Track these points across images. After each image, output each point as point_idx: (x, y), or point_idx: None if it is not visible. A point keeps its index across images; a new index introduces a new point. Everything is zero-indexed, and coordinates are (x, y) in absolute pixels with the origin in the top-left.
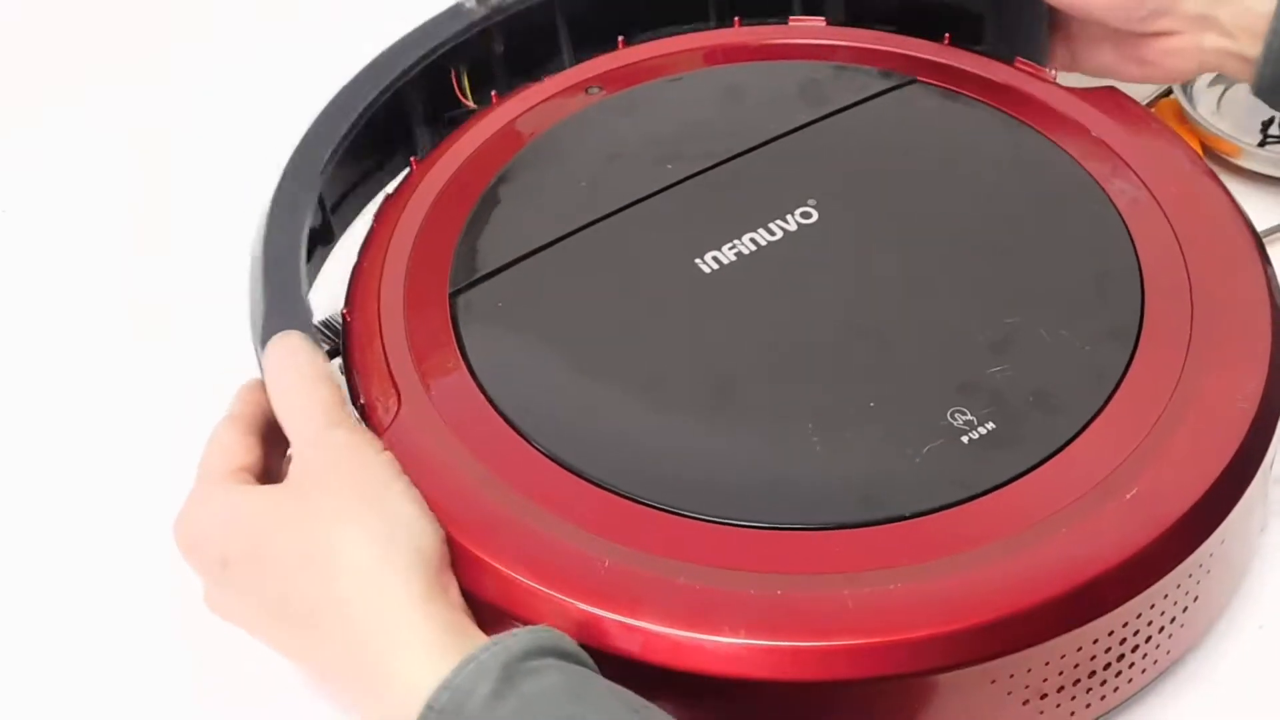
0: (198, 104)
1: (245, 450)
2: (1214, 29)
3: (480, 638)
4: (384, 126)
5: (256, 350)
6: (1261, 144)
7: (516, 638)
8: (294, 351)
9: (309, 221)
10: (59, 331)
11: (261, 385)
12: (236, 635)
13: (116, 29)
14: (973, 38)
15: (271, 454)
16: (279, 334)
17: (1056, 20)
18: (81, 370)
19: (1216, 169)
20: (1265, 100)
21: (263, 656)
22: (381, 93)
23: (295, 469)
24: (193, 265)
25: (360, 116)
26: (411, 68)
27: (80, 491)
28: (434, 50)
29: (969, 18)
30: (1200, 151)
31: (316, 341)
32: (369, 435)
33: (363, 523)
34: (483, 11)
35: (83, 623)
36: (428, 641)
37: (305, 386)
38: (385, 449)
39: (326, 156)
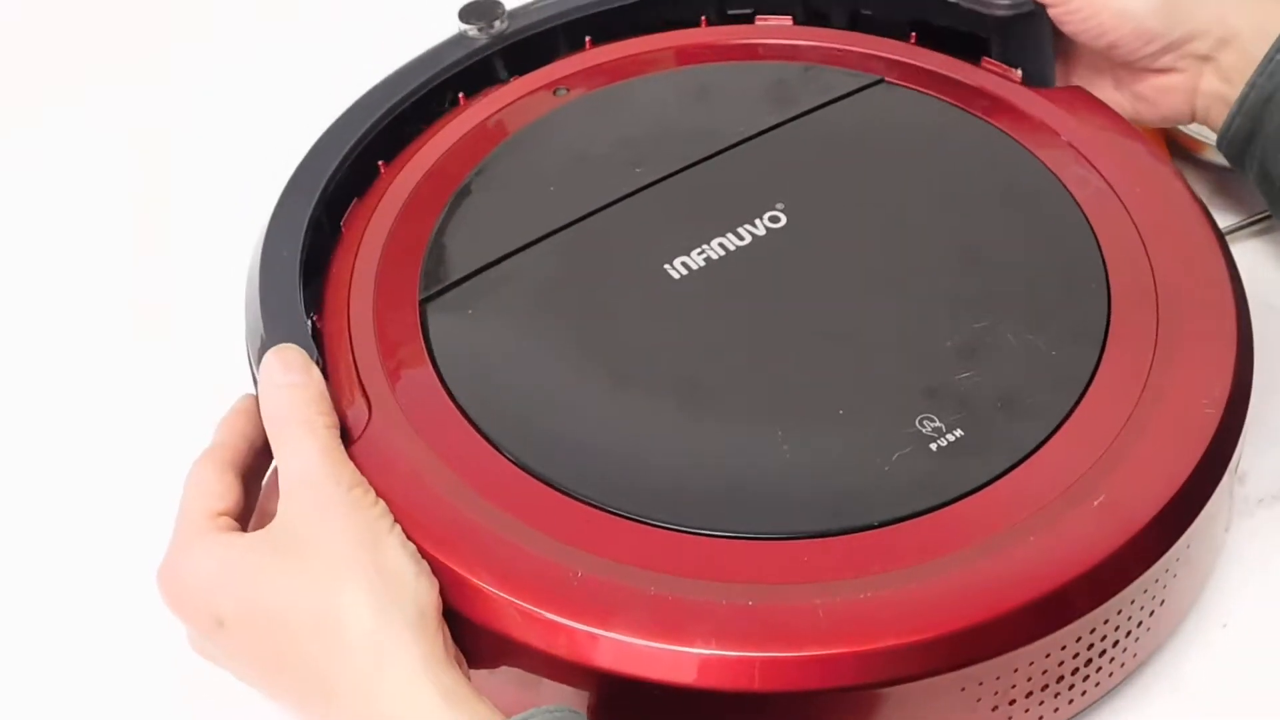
0: (198, 104)
1: (225, 490)
2: (1213, 71)
3: (483, 707)
4: (385, 149)
5: (252, 368)
6: None
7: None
8: (290, 368)
9: (308, 238)
10: (58, 331)
11: (244, 414)
12: None
13: (116, 29)
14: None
15: (253, 485)
16: (276, 347)
17: (1059, 48)
18: (81, 370)
19: (1182, 164)
20: (1225, 153)
21: None
22: (383, 115)
23: (286, 514)
24: (192, 265)
25: (362, 139)
26: (414, 93)
27: (78, 491)
28: (436, 76)
29: (976, 41)
30: (1166, 146)
31: (314, 358)
32: (363, 483)
33: (362, 583)
34: (484, 39)
35: (79, 623)
36: (434, 714)
37: (301, 415)
38: (377, 499)
39: (327, 177)
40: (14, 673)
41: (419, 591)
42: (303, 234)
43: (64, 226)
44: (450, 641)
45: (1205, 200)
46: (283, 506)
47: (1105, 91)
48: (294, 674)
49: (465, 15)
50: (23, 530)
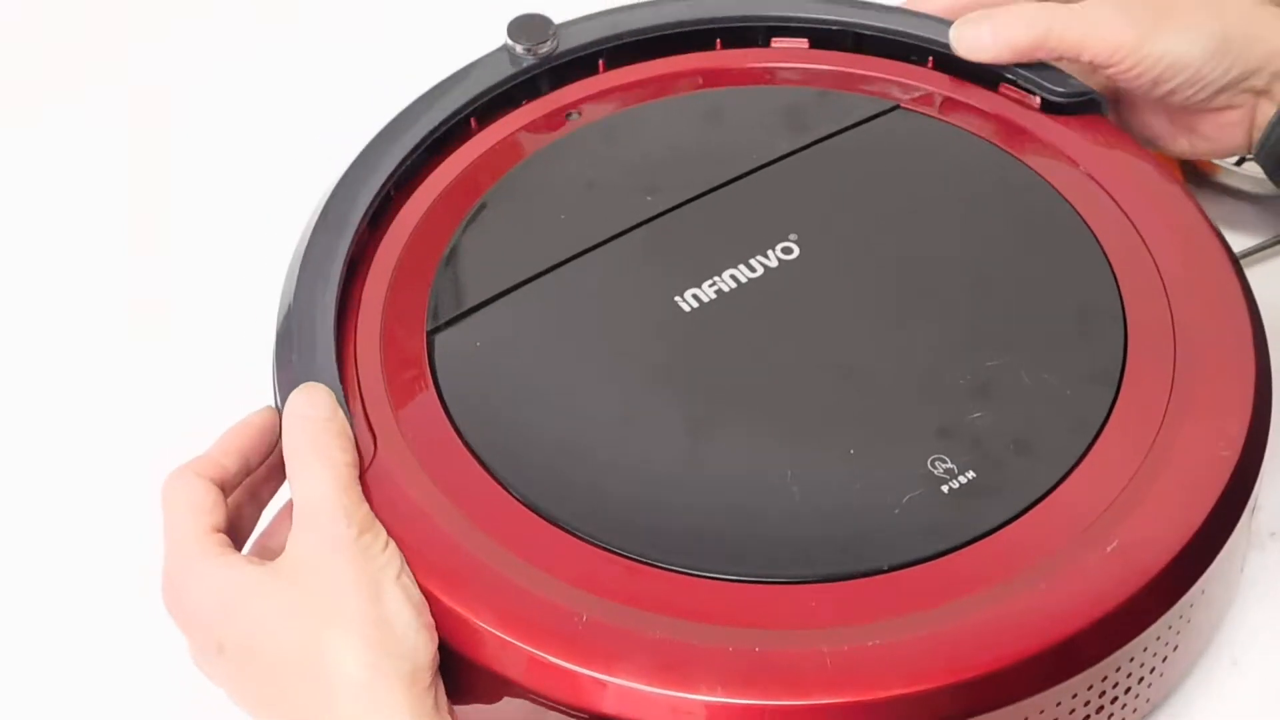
0: (197, 104)
1: (215, 504)
2: (1269, 101)
3: None
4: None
5: (275, 398)
6: (1240, 162)
7: None
8: (315, 404)
9: (342, 275)
10: (55, 331)
11: (251, 427)
12: None
13: (116, 28)
14: None
15: (245, 507)
16: (303, 385)
17: (1110, 91)
18: (76, 369)
19: (1196, 187)
20: (1262, 165)
21: None
22: (426, 137)
23: (295, 549)
24: (190, 265)
25: (402, 162)
26: (456, 114)
27: (75, 491)
28: (480, 96)
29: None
30: (1179, 167)
31: (341, 399)
32: (375, 526)
33: (358, 634)
34: (530, 60)
35: (77, 623)
36: None
37: (321, 446)
38: (388, 543)
39: (364, 206)
40: (13, 674)
41: (416, 647)
42: (339, 275)
43: (62, 226)
44: (443, 696)
45: (1219, 224)
46: (293, 540)
47: (1159, 128)
48: (284, 715)
49: (514, 32)
50: (16, 531)
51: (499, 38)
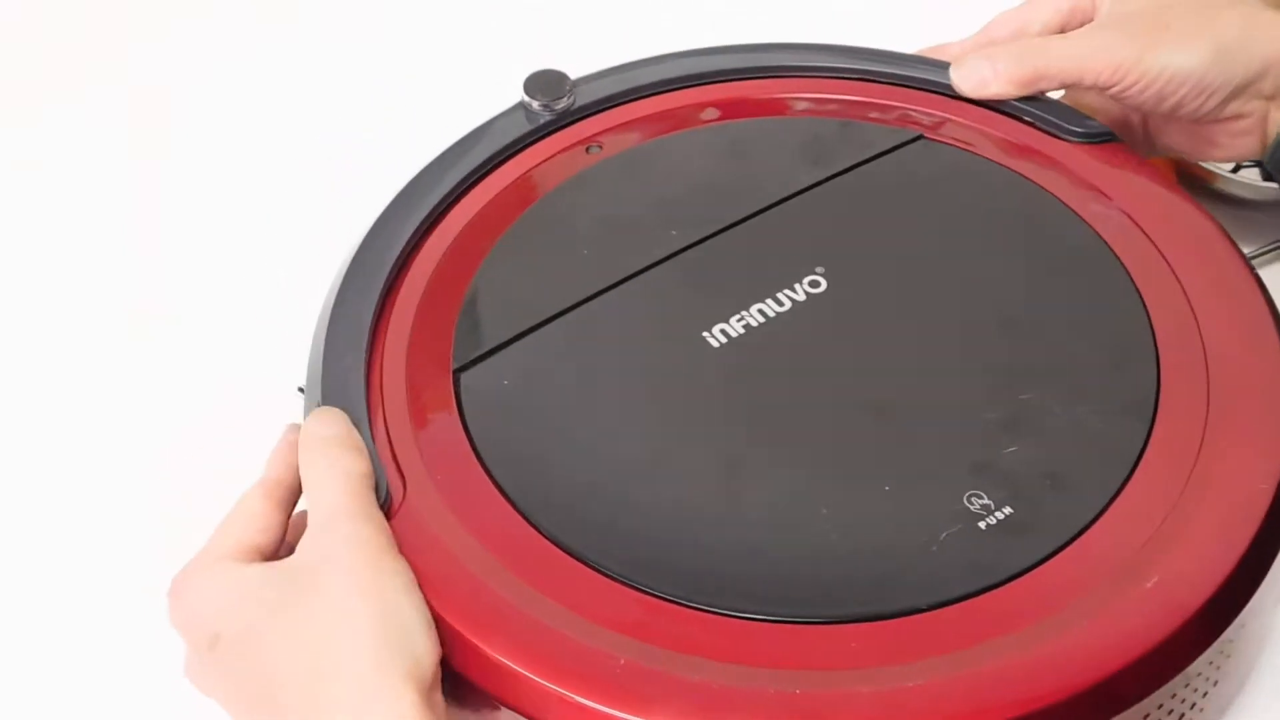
0: (197, 104)
1: (269, 526)
2: (1278, 107)
3: None
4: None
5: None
6: (1235, 169)
7: None
8: (331, 423)
9: (376, 312)
10: (54, 331)
11: (293, 446)
12: None
13: (116, 28)
14: None
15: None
16: (317, 410)
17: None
18: (76, 371)
19: (1190, 193)
20: (1273, 170)
21: None
22: (445, 197)
23: (303, 550)
24: (191, 267)
25: (421, 224)
26: (477, 169)
27: (74, 492)
28: (500, 152)
29: None
30: (1175, 174)
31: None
32: (387, 535)
33: (365, 628)
34: (547, 116)
35: (77, 624)
36: None
37: (336, 463)
38: (400, 557)
39: (386, 273)
40: (13, 674)
41: (420, 651)
42: (366, 340)
43: (61, 226)
44: (443, 705)
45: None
46: (305, 542)
47: (1181, 142)
48: (275, 706)
49: (530, 88)
50: (15, 533)
51: (497, 39)
